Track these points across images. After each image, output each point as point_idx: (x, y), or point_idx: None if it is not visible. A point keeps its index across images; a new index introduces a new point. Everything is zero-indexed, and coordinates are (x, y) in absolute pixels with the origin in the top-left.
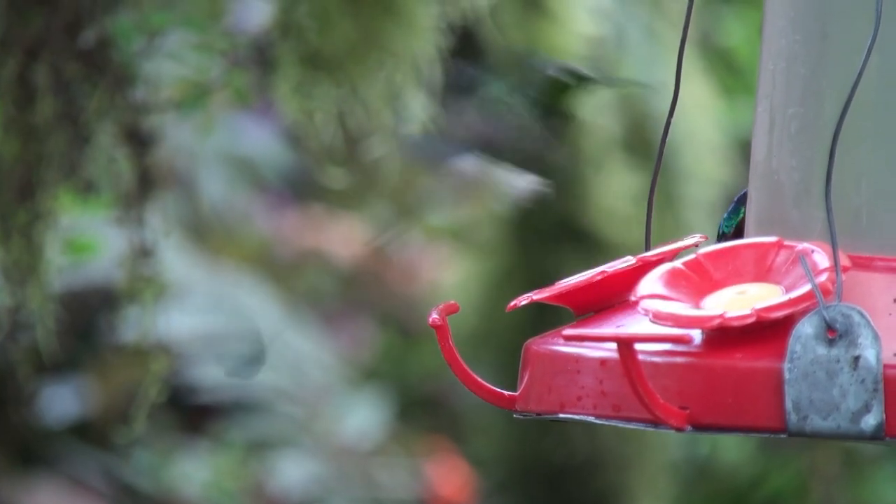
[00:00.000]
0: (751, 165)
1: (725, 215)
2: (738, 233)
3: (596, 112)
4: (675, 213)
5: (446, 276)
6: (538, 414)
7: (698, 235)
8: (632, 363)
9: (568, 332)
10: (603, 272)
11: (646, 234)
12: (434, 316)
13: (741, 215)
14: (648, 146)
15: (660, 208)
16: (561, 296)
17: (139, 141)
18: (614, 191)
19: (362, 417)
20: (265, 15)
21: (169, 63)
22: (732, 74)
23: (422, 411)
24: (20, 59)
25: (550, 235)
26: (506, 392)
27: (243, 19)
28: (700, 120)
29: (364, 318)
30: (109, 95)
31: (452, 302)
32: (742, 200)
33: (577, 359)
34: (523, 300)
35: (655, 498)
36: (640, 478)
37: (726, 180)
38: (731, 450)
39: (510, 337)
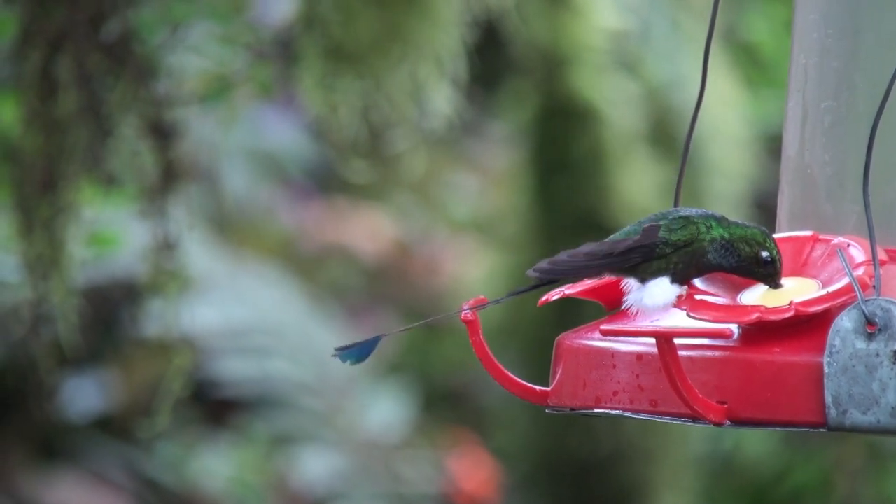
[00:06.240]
0: (782, 160)
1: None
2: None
3: (619, 106)
4: (701, 208)
5: (470, 269)
6: (572, 409)
7: None
8: (671, 358)
9: (605, 327)
10: None
11: None
12: (466, 311)
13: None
14: (672, 139)
15: (685, 202)
16: (593, 290)
17: (162, 134)
18: (638, 184)
19: (386, 411)
20: (289, 8)
21: (192, 56)
22: (757, 69)
23: (446, 405)
24: (43, 52)
25: (574, 229)
26: (537, 387)
27: (266, 12)
28: (725, 114)
29: (388, 311)
30: (132, 88)
31: (481, 297)
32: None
33: (613, 354)
34: (556, 295)
35: (679, 492)
36: (664, 472)
37: (752, 174)
38: (755, 444)
39: (535, 331)
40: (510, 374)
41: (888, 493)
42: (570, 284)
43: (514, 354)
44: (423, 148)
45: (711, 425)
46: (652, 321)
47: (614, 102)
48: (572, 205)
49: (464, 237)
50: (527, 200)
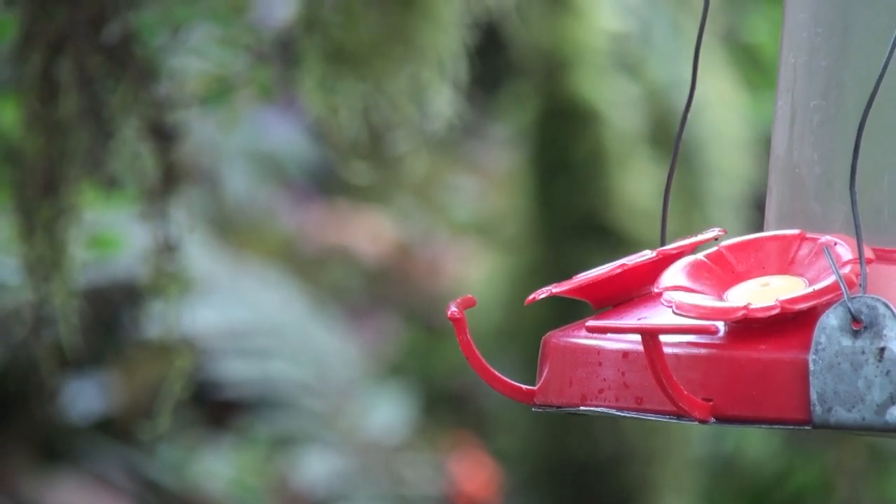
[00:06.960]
0: (770, 159)
1: None
2: None
3: (620, 108)
4: (701, 209)
5: (471, 271)
6: (558, 407)
7: (717, 229)
8: (656, 354)
9: (591, 323)
10: (623, 265)
11: (661, 227)
12: (452, 309)
13: None
14: (673, 142)
15: (685, 204)
16: (580, 289)
17: (163, 136)
18: (638, 186)
19: (387, 413)
20: (289, 9)
21: (193, 58)
22: (757, 70)
23: (447, 407)
24: (44, 54)
25: (575, 231)
26: (524, 385)
27: (267, 14)
28: (725, 116)
29: (389, 313)
30: (133, 90)
31: (469, 296)
32: None
33: (599, 351)
34: (543, 293)
35: (680, 493)
36: (665, 473)
37: (751, 176)
38: (756, 446)
39: (536, 332)
40: (497, 373)
41: (889, 494)
42: (557, 283)
43: (515, 356)
44: (424, 150)
45: (696, 422)
46: (638, 318)
47: (615, 104)
48: (573, 206)
49: (465, 239)
50: (528, 202)
